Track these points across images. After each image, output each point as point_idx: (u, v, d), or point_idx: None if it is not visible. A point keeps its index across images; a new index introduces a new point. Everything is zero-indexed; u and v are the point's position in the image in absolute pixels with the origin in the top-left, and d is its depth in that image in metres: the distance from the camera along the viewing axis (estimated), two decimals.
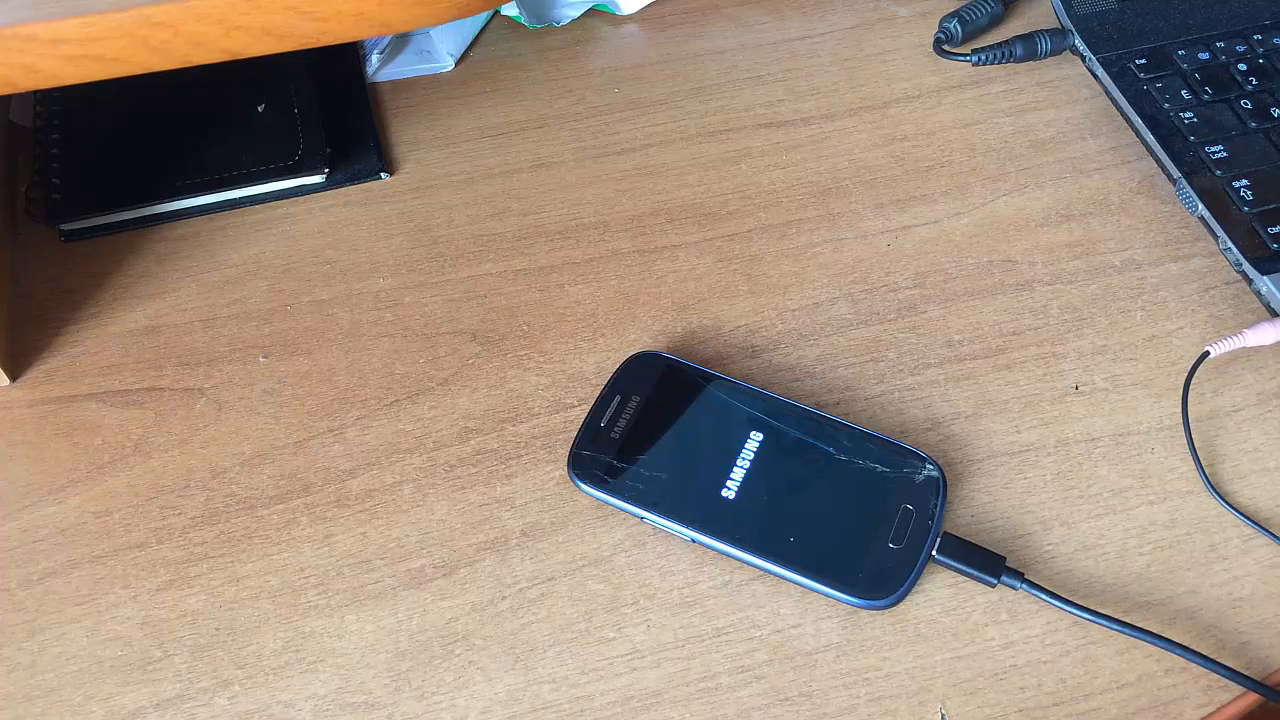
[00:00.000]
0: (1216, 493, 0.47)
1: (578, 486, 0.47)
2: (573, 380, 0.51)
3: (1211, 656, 0.43)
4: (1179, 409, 0.50)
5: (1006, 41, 0.62)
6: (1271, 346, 0.51)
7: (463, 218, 0.57)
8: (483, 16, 0.65)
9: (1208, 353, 0.50)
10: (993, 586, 0.44)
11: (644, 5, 0.66)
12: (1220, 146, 0.56)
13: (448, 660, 0.44)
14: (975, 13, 0.64)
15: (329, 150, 0.58)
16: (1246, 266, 0.52)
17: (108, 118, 0.59)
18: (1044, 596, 0.44)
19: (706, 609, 0.45)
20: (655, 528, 0.46)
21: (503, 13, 0.66)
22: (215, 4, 0.42)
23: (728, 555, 0.45)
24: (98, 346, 0.52)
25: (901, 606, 0.44)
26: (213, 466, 0.49)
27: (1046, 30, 0.62)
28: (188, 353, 0.52)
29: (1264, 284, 0.52)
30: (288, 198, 0.58)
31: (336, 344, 0.52)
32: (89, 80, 0.43)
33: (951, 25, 0.63)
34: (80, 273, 0.55)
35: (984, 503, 0.47)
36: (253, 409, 0.50)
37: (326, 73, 0.62)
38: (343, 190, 0.58)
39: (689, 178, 0.58)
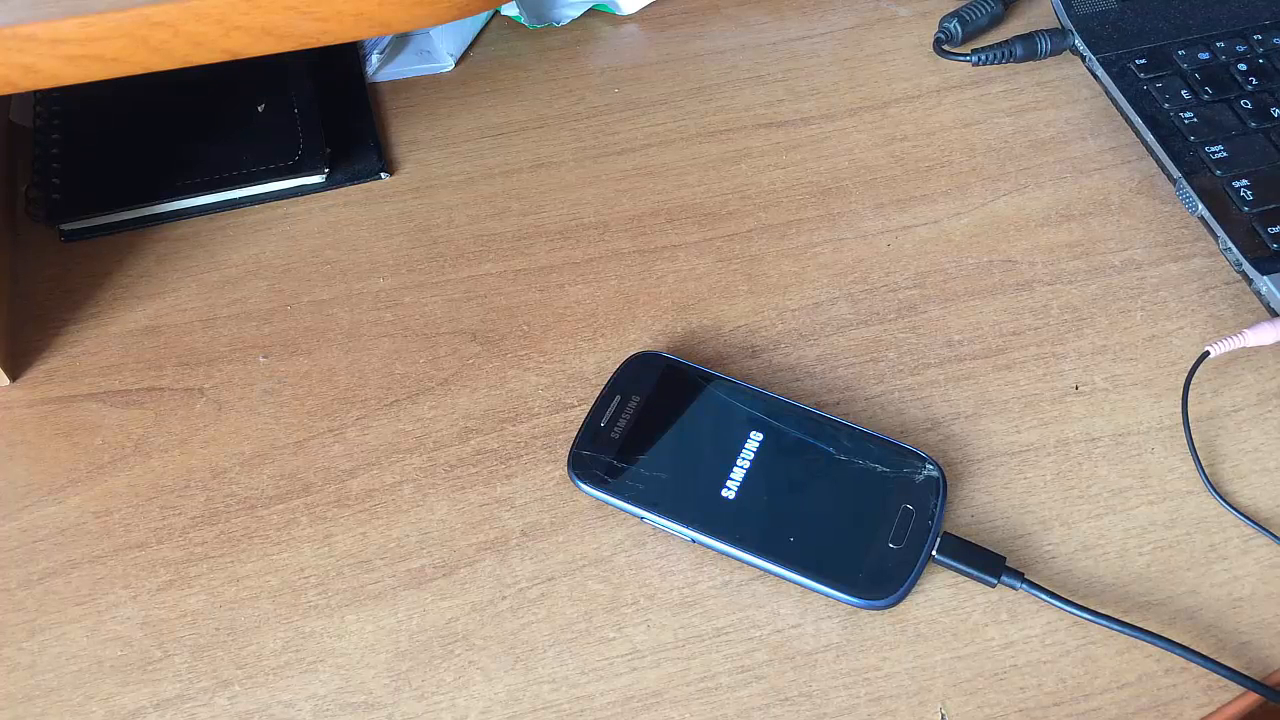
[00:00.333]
0: (1216, 493, 0.47)
1: (578, 486, 0.47)
2: (573, 380, 0.51)
3: (1211, 656, 0.43)
4: (1179, 409, 0.50)
5: (1006, 41, 0.62)
6: (1271, 346, 0.51)
7: (463, 218, 0.57)
8: (483, 16, 0.65)
9: (1208, 353, 0.50)
10: (993, 586, 0.44)
11: (644, 5, 0.66)
12: (1220, 146, 0.56)
13: (448, 660, 0.44)
14: (975, 13, 0.64)
15: (329, 150, 0.58)
16: (1246, 266, 0.52)
17: (108, 118, 0.59)
18: (1044, 596, 0.44)
19: (706, 609, 0.45)
20: (655, 528, 0.46)
21: (503, 13, 0.66)
22: (215, 4, 0.42)
23: (728, 555, 0.45)
24: (98, 346, 0.52)
25: (901, 606, 0.44)
26: (213, 466, 0.49)
27: (1046, 30, 0.62)
28: (188, 353, 0.52)
29: (1264, 284, 0.52)
30: (288, 198, 0.58)
31: (336, 344, 0.52)
32: (89, 80, 0.43)
33: (951, 25, 0.63)
34: (80, 273, 0.55)
35: (984, 503, 0.47)
36: (253, 409, 0.50)
37: (326, 73, 0.62)
38: (343, 190, 0.58)
39: (689, 178, 0.58)
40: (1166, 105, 0.58)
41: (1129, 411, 0.50)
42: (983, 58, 0.62)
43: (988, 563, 0.44)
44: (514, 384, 0.51)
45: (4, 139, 0.58)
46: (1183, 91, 0.58)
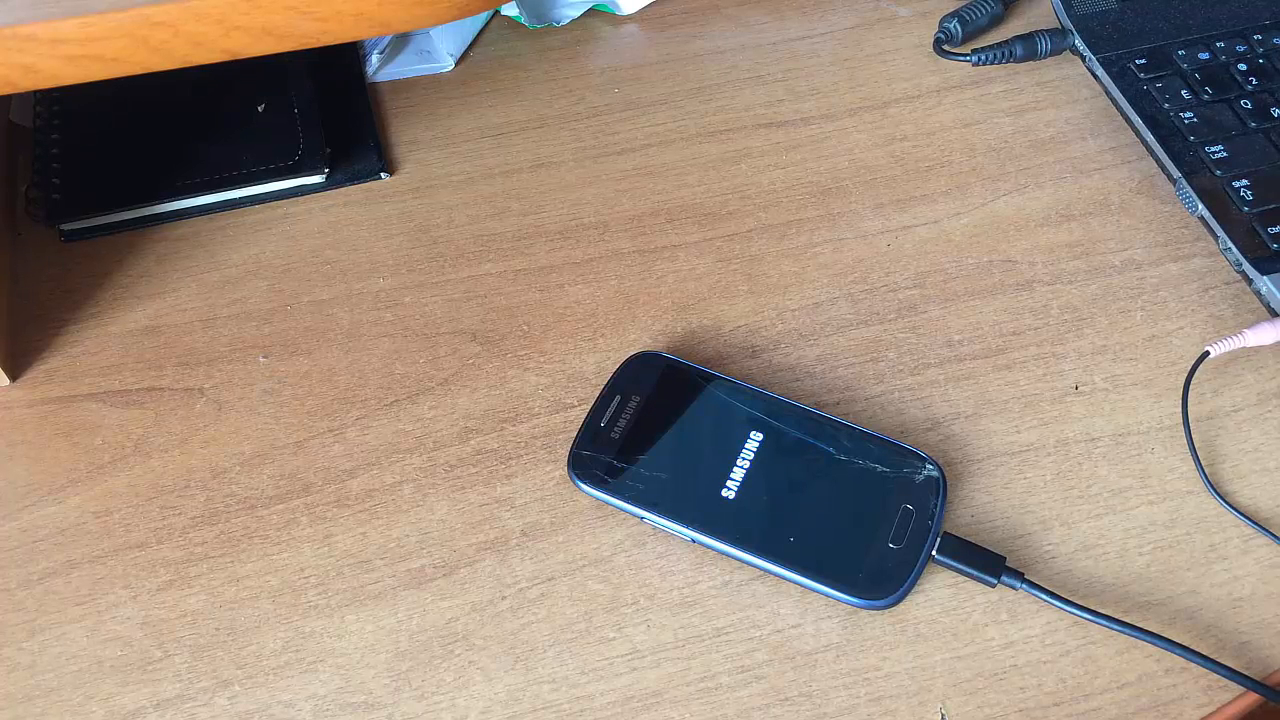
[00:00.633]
0: (1216, 493, 0.47)
1: (578, 486, 0.47)
2: (573, 380, 0.51)
3: (1211, 656, 0.43)
4: (1179, 409, 0.50)
5: (1006, 41, 0.62)
6: (1271, 346, 0.51)
7: (463, 218, 0.57)
8: (483, 16, 0.65)
9: (1208, 353, 0.50)
10: (993, 586, 0.44)
11: (644, 5, 0.66)
12: (1220, 146, 0.56)
13: (448, 660, 0.44)
14: (975, 13, 0.64)
15: (329, 150, 0.58)
16: (1246, 266, 0.52)
17: (108, 118, 0.59)
18: (1044, 596, 0.44)
19: (706, 609, 0.45)
20: (655, 528, 0.46)
21: (503, 13, 0.66)
22: (215, 4, 0.42)
23: (728, 555, 0.45)
24: (98, 346, 0.52)
25: (901, 606, 0.44)
26: (213, 466, 0.49)
27: (1046, 30, 0.62)
28: (188, 353, 0.52)
29: (1264, 284, 0.52)
30: (288, 198, 0.58)
31: (336, 344, 0.52)
32: (89, 80, 0.43)
33: (951, 25, 0.63)
34: (80, 273, 0.55)
35: (984, 503, 0.47)
36: (253, 409, 0.50)
37: (326, 73, 0.62)
38: (343, 190, 0.58)
39: (689, 178, 0.58)
40: (1166, 105, 0.58)
41: (1129, 411, 0.50)
42: (983, 58, 0.62)
43: (988, 563, 0.44)
44: (514, 384, 0.51)
45: (4, 139, 0.58)
46: (1183, 91, 0.58)
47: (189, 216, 0.57)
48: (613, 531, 0.47)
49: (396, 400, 0.51)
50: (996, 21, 0.65)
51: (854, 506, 0.45)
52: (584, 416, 0.48)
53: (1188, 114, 0.57)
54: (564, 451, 0.48)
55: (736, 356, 0.52)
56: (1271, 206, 0.54)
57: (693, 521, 0.45)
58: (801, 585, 0.44)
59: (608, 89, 0.63)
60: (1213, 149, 0.56)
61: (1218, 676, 0.43)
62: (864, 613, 0.44)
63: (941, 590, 0.45)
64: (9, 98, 0.60)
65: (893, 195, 0.58)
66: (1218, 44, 0.60)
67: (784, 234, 0.56)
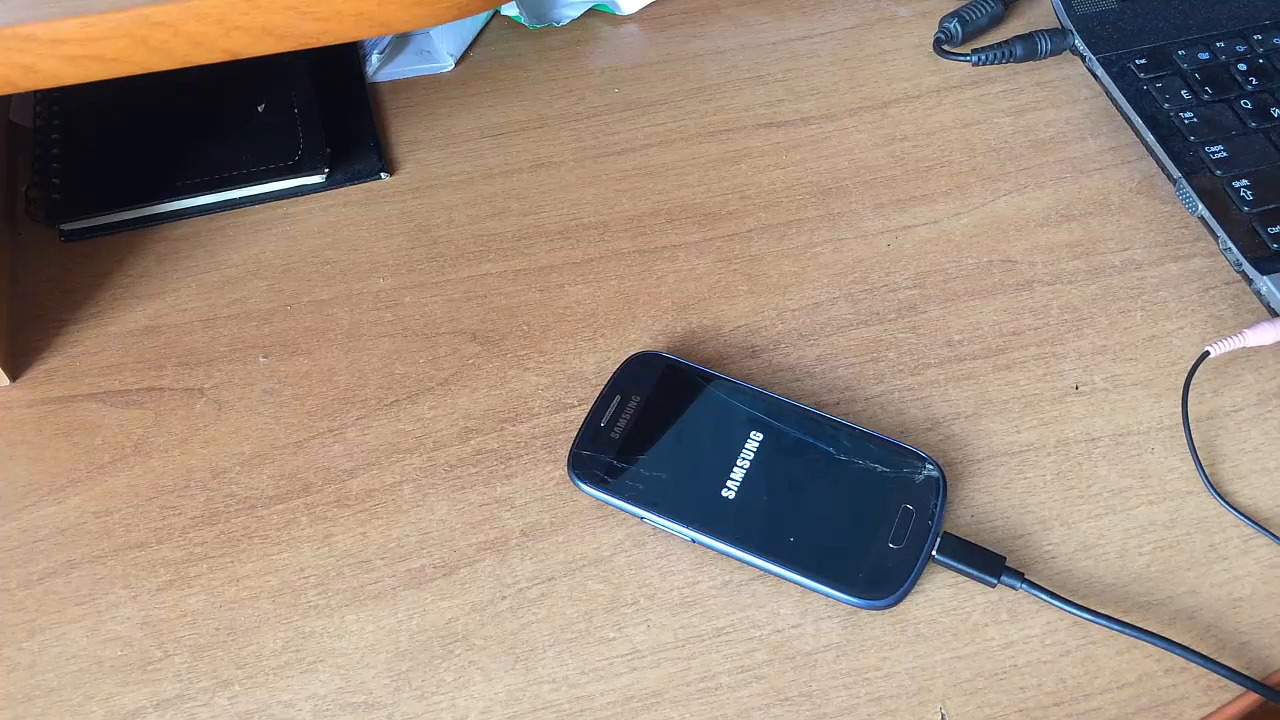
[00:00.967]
0: (1216, 493, 0.47)
1: (578, 486, 0.47)
2: (573, 380, 0.51)
3: (1211, 656, 0.43)
4: (1179, 409, 0.50)
5: (1006, 41, 0.62)
6: (1271, 346, 0.51)
7: (463, 218, 0.57)
8: (483, 16, 0.65)
9: (1208, 353, 0.50)
10: (993, 586, 0.44)
11: (644, 5, 0.66)
12: (1220, 146, 0.56)
13: (448, 660, 0.44)
14: (975, 13, 0.64)
15: (329, 150, 0.58)
16: (1246, 266, 0.52)
17: (108, 118, 0.59)
18: (1044, 596, 0.44)
19: (706, 609, 0.45)
20: (655, 528, 0.46)
21: (503, 13, 0.66)
22: (215, 4, 0.42)
23: (728, 555, 0.45)
24: (98, 346, 0.52)
25: (901, 606, 0.44)
26: (213, 466, 0.49)
27: (1046, 30, 0.62)
28: (188, 353, 0.52)
29: (1264, 284, 0.52)
30: (288, 198, 0.58)
31: (336, 344, 0.52)
32: (89, 80, 0.43)
33: (951, 25, 0.63)
34: (80, 273, 0.55)
35: (984, 503, 0.47)
36: (253, 409, 0.50)
37: (326, 73, 0.62)
38: (343, 190, 0.58)
39: (689, 178, 0.58)
40: (1166, 105, 0.58)
41: (1129, 411, 0.50)
42: (983, 58, 0.62)
43: (988, 563, 0.44)
44: (514, 384, 0.51)
45: (4, 139, 0.58)
46: (1183, 91, 0.58)
47: (189, 216, 0.57)
48: (613, 531, 0.47)
49: (396, 400, 0.51)
50: (996, 21, 0.65)
51: (854, 506, 0.45)
52: (584, 416, 0.48)
53: (1188, 114, 0.57)
54: (564, 451, 0.48)
55: (736, 356, 0.52)
56: (1271, 206, 0.54)
57: (693, 521, 0.45)
58: (801, 585, 0.44)
59: (608, 89, 0.63)
60: (1213, 149, 0.56)
61: (1218, 676, 0.43)
62: (864, 613, 0.44)
63: (941, 590, 0.45)
64: (9, 98, 0.60)
65: (893, 195, 0.58)
66: (1218, 44, 0.60)
67: (784, 234, 0.56)
